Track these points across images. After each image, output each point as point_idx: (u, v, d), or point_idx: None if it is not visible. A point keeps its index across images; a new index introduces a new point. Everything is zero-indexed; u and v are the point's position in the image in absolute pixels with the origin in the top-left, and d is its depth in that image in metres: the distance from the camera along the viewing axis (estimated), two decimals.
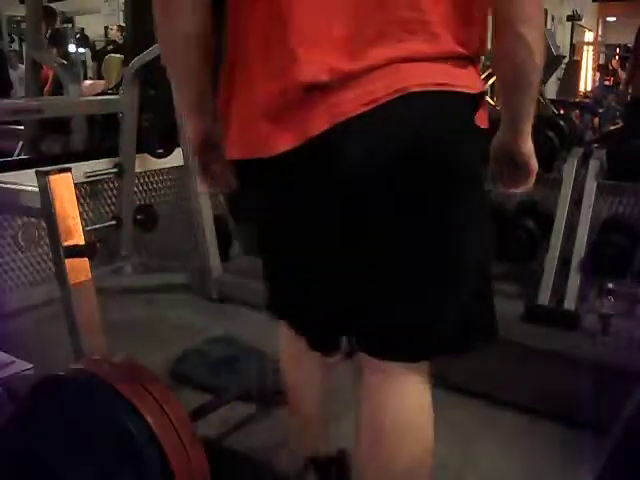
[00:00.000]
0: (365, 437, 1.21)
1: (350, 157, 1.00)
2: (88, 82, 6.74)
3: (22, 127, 3.98)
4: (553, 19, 9.30)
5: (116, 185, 3.31)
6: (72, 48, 8.42)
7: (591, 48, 12.40)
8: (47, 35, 5.47)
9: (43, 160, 3.28)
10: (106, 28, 8.34)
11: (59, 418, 1.46)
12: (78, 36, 8.65)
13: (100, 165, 3.25)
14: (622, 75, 11.10)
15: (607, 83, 10.86)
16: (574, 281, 2.86)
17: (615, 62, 12.80)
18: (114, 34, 7.72)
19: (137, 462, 1.33)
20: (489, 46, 1.19)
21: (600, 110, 6.93)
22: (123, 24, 6.61)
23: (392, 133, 1.00)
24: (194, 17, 1.09)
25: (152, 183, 3.58)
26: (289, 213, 1.17)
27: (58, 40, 6.01)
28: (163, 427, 1.35)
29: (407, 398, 1.19)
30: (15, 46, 8.56)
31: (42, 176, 1.65)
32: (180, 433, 1.37)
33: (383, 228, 1.07)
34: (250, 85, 1.06)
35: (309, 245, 1.18)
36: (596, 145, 3.45)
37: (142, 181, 3.52)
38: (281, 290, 1.32)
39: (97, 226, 3.25)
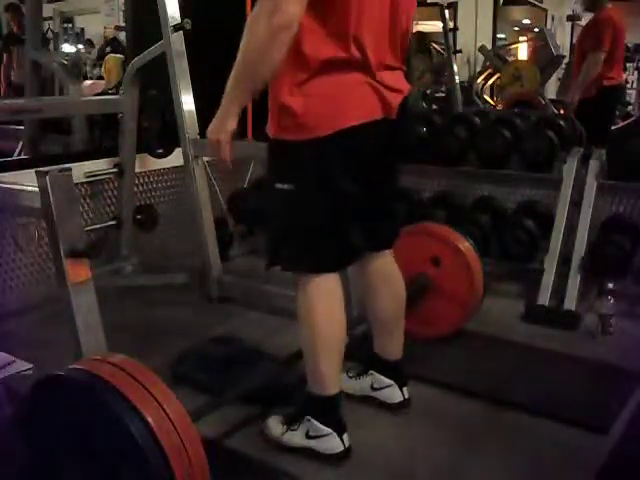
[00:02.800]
0: (388, 285, 2.05)
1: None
2: (88, 82, 6.74)
3: (22, 127, 3.98)
4: (553, 19, 9.28)
5: (116, 185, 3.31)
6: (71, 48, 8.43)
7: None
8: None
9: (43, 160, 3.28)
10: (106, 28, 8.33)
11: (59, 418, 1.46)
12: (87, 38, 8.65)
13: (100, 165, 3.25)
14: (622, 75, 11.06)
15: None
16: (574, 281, 2.87)
17: None
18: (111, 32, 7.70)
19: (137, 462, 1.33)
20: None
21: None
22: (123, 24, 6.59)
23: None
24: (289, 44, 1.55)
25: (152, 183, 3.58)
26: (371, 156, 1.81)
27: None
28: (163, 427, 1.35)
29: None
30: None
31: (42, 176, 1.65)
32: (180, 433, 1.37)
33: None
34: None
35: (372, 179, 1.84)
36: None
37: (142, 181, 3.51)
38: (348, 232, 1.82)
39: (97, 226, 3.25)
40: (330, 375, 1.83)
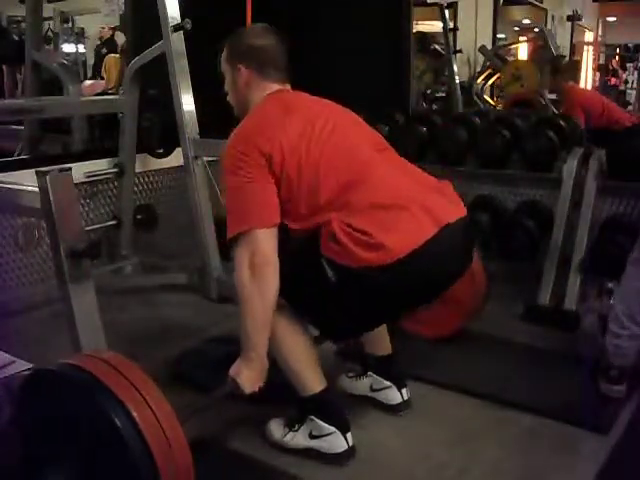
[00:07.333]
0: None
1: None
2: (88, 82, 6.74)
3: (22, 127, 3.98)
4: (553, 19, 9.26)
5: (116, 185, 3.31)
6: (71, 48, 8.42)
7: (591, 48, 12.39)
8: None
9: (43, 160, 3.28)
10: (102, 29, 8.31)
11: (45, 411, 1.47)
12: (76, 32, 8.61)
13: (100, 165, 3.26)
14: (623, 75, 11.07)
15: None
16: (574, 281, 2.86)
17: (615, 62, 12.76)
18: (105, 33, 7.70)
19: (121, 455, 1.34)
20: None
21: None
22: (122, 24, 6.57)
23: None
24: (277, 281, 1.66)
25: (152, 183, 3.58)
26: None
27: None
28: (147, 422, 1.36)
29: None
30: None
31: (42, 176, 1.65)
32: (164, 428, 1.37)
33: None
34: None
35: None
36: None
37: (142, 181, 3.52)
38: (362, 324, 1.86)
39: (97, 226, 3.25)
40: (306, 376, 1.83)
